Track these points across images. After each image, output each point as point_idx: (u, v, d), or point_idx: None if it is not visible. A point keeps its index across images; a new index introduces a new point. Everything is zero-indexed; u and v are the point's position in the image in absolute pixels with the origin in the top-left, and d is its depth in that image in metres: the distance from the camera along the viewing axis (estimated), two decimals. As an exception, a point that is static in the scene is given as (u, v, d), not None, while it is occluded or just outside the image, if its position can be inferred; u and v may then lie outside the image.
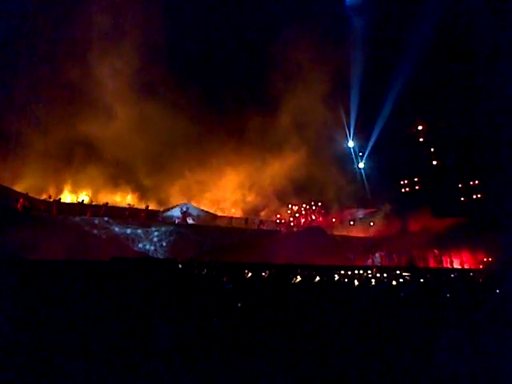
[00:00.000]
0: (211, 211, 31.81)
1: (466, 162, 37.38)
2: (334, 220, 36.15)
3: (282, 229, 32.91)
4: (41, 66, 27.51)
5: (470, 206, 37.44)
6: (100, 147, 27.49)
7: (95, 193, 27.82)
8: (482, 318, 10.86)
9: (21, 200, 22.91)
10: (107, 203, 26.62)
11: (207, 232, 27.89)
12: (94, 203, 26.51)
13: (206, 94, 32.14)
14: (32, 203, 23.73)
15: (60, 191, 26.90)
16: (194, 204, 31.08)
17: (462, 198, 38.58)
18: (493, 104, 34.48)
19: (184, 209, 29.26)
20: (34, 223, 20.85)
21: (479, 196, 37.68)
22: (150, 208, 28.29)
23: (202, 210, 31.36)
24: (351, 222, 37.12)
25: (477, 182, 37.96)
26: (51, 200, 24.91)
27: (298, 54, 33.93)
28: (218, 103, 33.14)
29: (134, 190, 29.62)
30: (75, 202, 26.26)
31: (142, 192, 29.82)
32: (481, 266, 33.31)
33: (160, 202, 30.30)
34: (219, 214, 32.04)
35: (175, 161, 30.99)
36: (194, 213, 30.05)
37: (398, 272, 22.31)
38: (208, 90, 32.47)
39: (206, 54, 33.06)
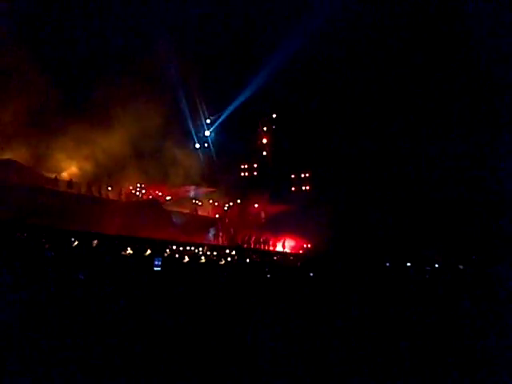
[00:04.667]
0: (49, 175, 28.81)
1: (299, 154, 39.74)
2: (170, 196, 35.69)
3: (120, 199, 31.62)
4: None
5: (300, 195, 40.39)
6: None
7: None
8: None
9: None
10: None
11: (35, 193, 25.34)
12: None
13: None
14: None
15: None
16: (20, 160, 27.67)
17: (293, 188, 41.51)
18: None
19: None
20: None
21: (307, 188, 40.90)
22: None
23: (31, 168, 28.11)
24: (195, 201, 37.32)
25: (307, 174, 41.11)
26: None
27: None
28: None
29: None
30: None
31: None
32: (301, 252, 36.70)
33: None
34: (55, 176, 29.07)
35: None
36: (20, 170, 26.88)
37: (227, 251, 23.37)
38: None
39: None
